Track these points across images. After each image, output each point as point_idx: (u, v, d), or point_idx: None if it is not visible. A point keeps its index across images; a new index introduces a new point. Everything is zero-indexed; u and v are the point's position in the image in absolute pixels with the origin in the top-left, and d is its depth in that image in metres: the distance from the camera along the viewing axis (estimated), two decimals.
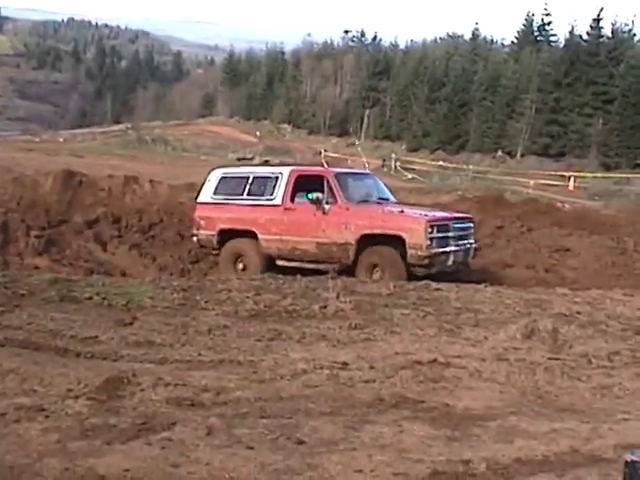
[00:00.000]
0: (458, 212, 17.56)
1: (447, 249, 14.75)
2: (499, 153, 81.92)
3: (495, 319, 10.36)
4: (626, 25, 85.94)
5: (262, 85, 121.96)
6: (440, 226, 14.79)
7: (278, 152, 73.71)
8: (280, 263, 15.82)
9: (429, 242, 14.30)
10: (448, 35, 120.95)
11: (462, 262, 15.41)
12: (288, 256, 15.75)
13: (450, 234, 14.95)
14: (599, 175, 61.52)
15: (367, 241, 14.89)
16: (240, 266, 16.15)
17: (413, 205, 17.95)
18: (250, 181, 16.32)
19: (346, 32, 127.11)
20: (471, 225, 16.05)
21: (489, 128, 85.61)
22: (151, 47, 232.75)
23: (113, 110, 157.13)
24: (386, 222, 14.87)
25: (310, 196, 15.35)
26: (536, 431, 6.05)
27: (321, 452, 5.35)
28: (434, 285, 12.96)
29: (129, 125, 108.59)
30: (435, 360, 7.86)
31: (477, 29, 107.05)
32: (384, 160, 67.69)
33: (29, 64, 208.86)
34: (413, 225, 14.57)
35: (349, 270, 14.83)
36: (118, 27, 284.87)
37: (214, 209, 16.55)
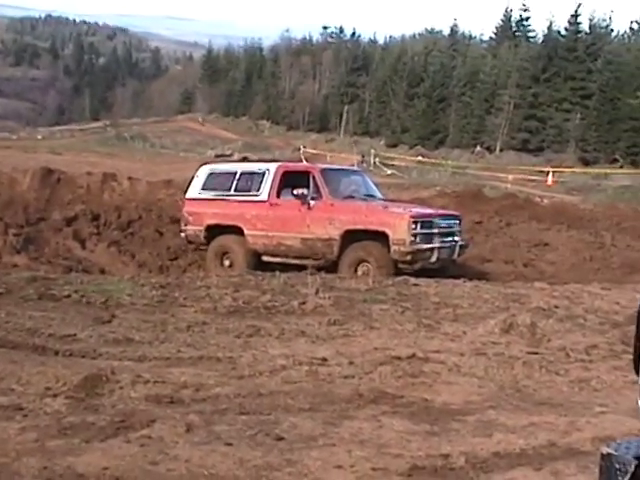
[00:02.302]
0: (445, 210, 17.55)
1: (431, 245, 14.75)
2: (478, 148, 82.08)
3: (474, 314, 10.40)
4: (604, 21, 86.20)
5: (241, 81, 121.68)
6: (424, 222, 14.83)
7: (257, 148, 73.68)
8: (266, 259, 15.89)
9: (412, 238, 14.35)
10: (427, 31, 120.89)
11: (447, 259, 15.40)
12: (274, 252, 15.81)
13: (434, 230, 14.95)
14: (577, 170, 61.81)
15: (351, 237, 14.92)
16: (227, 263, 16.23)
17: (399, 201, 17.98)
18: (237, 177, 16.38)
19: (325, 28, 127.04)
20: (457, 222, 16.06)
21: (468, 123, 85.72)
22: (129, 44, 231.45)
23: (91, 107, 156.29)
24: (369, 218, 14.92)
25: (295, 192, 15.40)
26: (514, 425, 6.08)
27: (300, 448, 5.36)
28: (413, 280, 13.00)
29: (108, 122, 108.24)
30: (414, 355, 7.87)
31: (456, 25, 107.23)
32: (363, 156, 67.65)
33: (6, 61, 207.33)
34: (396, 221, 14.61)
35: (334, 266, 14.86)
36: (96, 24, 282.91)
37: (202, 205, 16.62)
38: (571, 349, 8.58)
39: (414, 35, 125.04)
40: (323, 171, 15.96)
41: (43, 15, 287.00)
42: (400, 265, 14.50)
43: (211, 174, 16.88)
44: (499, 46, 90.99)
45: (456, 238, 15.65)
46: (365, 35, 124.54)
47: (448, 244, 15.32)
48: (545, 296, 12.02)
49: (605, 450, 2.11)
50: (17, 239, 16.72)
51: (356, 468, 5.07)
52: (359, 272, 14.58)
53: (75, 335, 8.15)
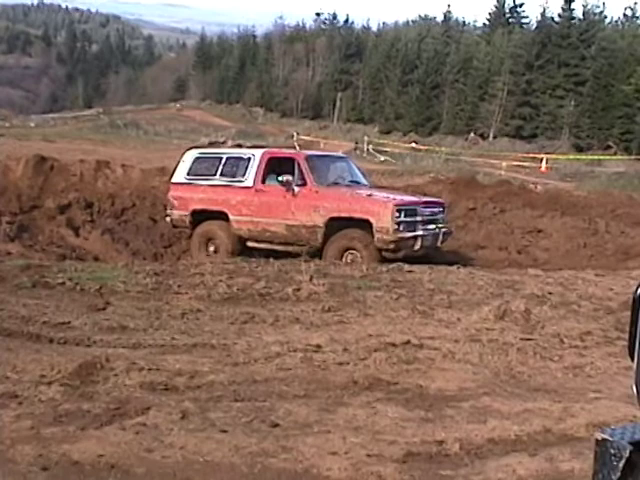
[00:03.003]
0: (429, 197, 17.54)
1: (415, 233, 14.79)
2: (471, 135, 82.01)
3: (468, 300, 10.41)
4: (597, 7, 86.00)
5: (234, 68, 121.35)
6: (408, 210, 14.86)
7: (251, 136, 73.42)
8: (250, 244, 15.98)
9: (396, 226, 14.39)
10: (420, 17, 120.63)
11: (431, 246, 15.41)
12: (258, 237, 15.89)
13: (418, 218, 14.99)
14: (571, 156, 61.80)
15: (336, 224, 14.95)
16: (212, 248, 16.31)
17: (386, 189, 17.97)
18: (223, 162, 16.40)
19: (318, 15, 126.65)
20: (441, 210, 16.07)
21: (461, 110, 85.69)
22: (122, 31, 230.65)
23: (85, 95, 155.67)
24: (353, 205, 14.96)
25: (280, 178, 15.43)
26: (509, 411, 6.10)
27: (295, 435, 5.37)
28: (407, 267, 13.00)
29: (101, 110, 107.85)
30: (408, 342, 7.89)
31: (449, 11, 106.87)
32: (356, 143, 67.55)
33: None
34: (380, 209, 14.65)
35: (320, 253, 14.90)
36: (89, 11, 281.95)
37: (187, 189, 16.66)
38: (565, 335, 8.60)
39: (407, 22, 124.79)
40: (308, 158, 16.03)
41: (35, 2, 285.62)
42: (384, 253, 14.57)
43: (197, 159, 16.91)
44: (493, 33, 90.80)
45: (440, 225, 15.67)
46: (358, 22, 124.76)
47: (431, 232, 15.34)
48: (539, 283, 12.03)
49: (600, 436, 2.10)
50: (10, 227, 16.70)
51: (351, 454, 5.08)
52: (345, 260, 14.62)
53: (69, 323, 8.14)
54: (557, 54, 79.87)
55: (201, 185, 16.50)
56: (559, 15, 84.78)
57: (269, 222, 15.65)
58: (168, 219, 17.13)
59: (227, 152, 17.31)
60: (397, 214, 14.44)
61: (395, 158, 59.48)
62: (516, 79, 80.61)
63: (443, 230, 15.73)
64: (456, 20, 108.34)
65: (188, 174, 16.74)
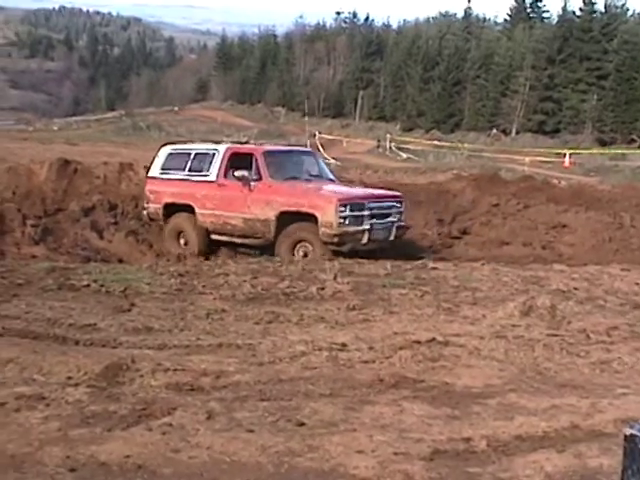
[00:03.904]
0: (386, 190, 17.53)
1: (361, 227, 15.00)
2: (494, 131, 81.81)
3: (493, 297, 10.37)
4: (619, 0, 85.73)
5: (255, 69, 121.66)
6: (354, 205, 15.12)
7: (272, 135, 73.44)
8: (214, 237, 16.62)
9: (341, 220, 14.66)
10: (440, 14, 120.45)
11: (384, 240, 15.59)
12: (221, 230, 16.49)
13: (365, 212, 15.16)
14: (594, 151, 61.48)
15: (287, 218, 15.35)
16: (182, 241, 17.00)
17: (346, 182, 18.16)
18: (192, 157, 17.08)
19: (338, 13, 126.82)
20: (396, 203, 16.19)
21: (483, 106, 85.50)
22: (143, 34, 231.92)
23: (107, 97, 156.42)
24: (301, 200, 15.33)
25: (236, 174, 15.97)
26: (536, 407, 6.07)
27: (322, 433, 5.36)
28: (431, 264, 12.99)
29: (123, 112, 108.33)
30: (434, 339, 7.87)
31: (469, 7, 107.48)
32: (379, 141, 67.49)
33: (21, 53, 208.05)
34: (325, 203, 14.99)
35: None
36: (110, 14, 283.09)
37: (161, 184, 17.40)
38: (591, 331, 8.55)
39: (428, 19, 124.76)
40: (265, 153, 16.39)
41: (57, 6, 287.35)
42: (329, 246, 14.85)
43: (170, 154, 17.61)
44: (513, 28, 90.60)
45: (392, 219, 15.77)
46: (379, 20, 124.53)
47: (382, 226, 15.48)
48: (564, 278, 11.97)
49: (628, 431, 2.09)
50: (35, 230, 16.75)
51: (377, 453, 5.07)
52: (298, 253, 15.06)
53: (95, 324, 8.17)
54: (579, 48, 79.54)
55: (172, 179, 17.18)
56: (580, 9, 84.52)
57: (229, 216, 16.20)
58: (145, 212, 17.80)
59: (196, 148, 17.79)
60: (342, 208, 14.74)
61: (418, 155, 59.42)
62: (538, 74, 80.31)
63: (397, 224, 15.81)
64: (477, 16, 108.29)
65: (162, 169, 17.48)
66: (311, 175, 16.83)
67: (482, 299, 10.22)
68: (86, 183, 20.26)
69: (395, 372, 6.84)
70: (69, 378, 6.33)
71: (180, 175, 17.03)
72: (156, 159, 17.78)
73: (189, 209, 16.81)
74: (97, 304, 9.21)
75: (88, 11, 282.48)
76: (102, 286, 10.08)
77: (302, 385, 6.42)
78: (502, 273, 12.29)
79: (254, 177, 15.81)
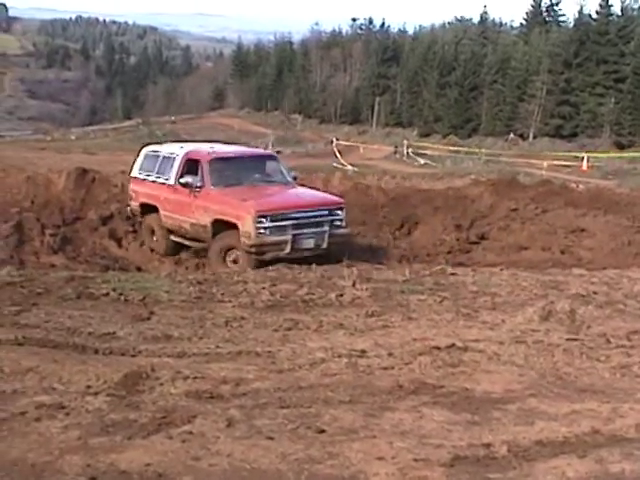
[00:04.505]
0: (328, 196, 17.24)
1: (282, 238, 14.96)
2: (511, 136, 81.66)
3: (512, 302, 10.33)
4: (635, 2, 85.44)
5: (271, 76, 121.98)
6: (275, 215, 15.08)
7: (290, 142, 73.70)
8: (173, 238, 17.20)
9: (259, 231, 14.77)
10: (456, 19, 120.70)
11: (316, 247, 15.45)
12: (177, 232, 17.05)
13: (288, 222, 15.10)
14: (612, 154, 61.27)
15: (220, 226, 15.62)
16: (155, 238, 17.65)
17: (304, 186, 17.96)
18: (160, 160, 17.54)
19: (354, 20, 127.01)
20: (330, 212, 15.87)
21: (500, 111, 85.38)
22: (159, 42, 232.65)
23: (124, 106, 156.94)
24: (227, 210, 15.54)
25: (181, 180, 16.36)
26: (556, 412, 6.05)
27: (342, 440, 5.36)
28: (450, 270, 12.95)
29: (140, 121, 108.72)
30: (453, 345, 7.85)
31: (485, 12, 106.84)
32: (396, 147, 67.49)
33: (38, 63, 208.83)
34: (244, 214, 15.05)
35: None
36: (126, 23, 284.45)
37: (139, 184, 18.07)
38: (611, 335, 8.52)
39: (444, 24, 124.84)
40: (211, 160, 16.47)
41: (73, 16, 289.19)
42: (250, 256, 14.96)
43: (146, 156, 18.24)
44: (530, 32, 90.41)
45: (324, 228, 15.57)
46: (394, 26, 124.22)
47: (310, 235, 15.39)
48: (584, 282, 11.92)
49: None
50: (54, 239, 16.81)
51: (398, 459, 5.07)
52: (229, 258, 15.35)
53: (114, 333, 8.18)
54: (596, 51, 79.27)
55: (146, 180, 17.76)
56: (596, 12, 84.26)
57: (181, 219, 16.66)
58: (128, 209, 18.59)
59: (164, 150, 18.07)
60: (261, 220, 14.80)
61: (435, 161, 59.37)
62: (555, 78, 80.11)
63: (330, 232, 15.62)
64: (493, 21, 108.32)
65: (140, 169, 18.12)
66: (267, 180, 17.03)
67: (501, 304, 10.19)
68: (104, 192, 20.35)
69: (415, 378, 6.83)
70: (89, 387, 6.34)
71: (152, 177, 17.61)
72: (137, 159, 18.41)
73: (156, 210, 17.45)
74: (116, 313, 9.23)
75: (104, 21, 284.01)
76: (121, 294, 10.09)
77: (322, 392, 6.42)
78: (521, 278, 12.24)
79: (198, 184, 16.09)
